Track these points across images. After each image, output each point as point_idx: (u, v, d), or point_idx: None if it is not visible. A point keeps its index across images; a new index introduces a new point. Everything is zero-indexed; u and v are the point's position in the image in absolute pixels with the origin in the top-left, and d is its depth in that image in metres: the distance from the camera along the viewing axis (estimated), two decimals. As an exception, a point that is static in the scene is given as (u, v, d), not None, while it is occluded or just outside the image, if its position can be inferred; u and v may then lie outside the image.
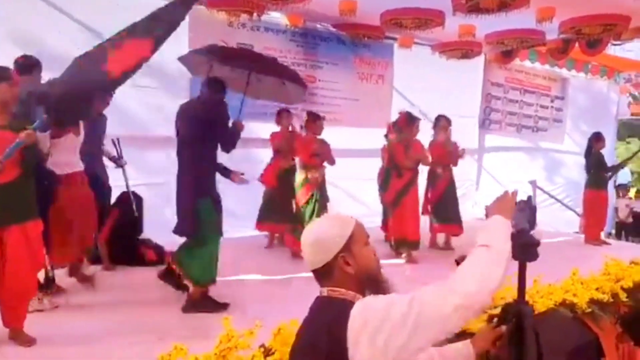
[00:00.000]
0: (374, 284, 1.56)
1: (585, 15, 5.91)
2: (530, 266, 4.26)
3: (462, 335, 2.61)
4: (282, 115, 5.94)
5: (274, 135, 5.95)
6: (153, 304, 3.91)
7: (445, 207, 6.18)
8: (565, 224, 8.66)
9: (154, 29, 3.21)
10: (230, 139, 3.91)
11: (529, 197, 1.63)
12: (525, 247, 1.51)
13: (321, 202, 5.52)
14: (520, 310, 1.66)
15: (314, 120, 5.63)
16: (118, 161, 5.05)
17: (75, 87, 3.25)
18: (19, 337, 3.05)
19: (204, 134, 3.68)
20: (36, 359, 2.91)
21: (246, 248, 5.83)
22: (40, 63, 3.83)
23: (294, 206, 5.64)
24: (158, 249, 5.16)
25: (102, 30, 5.27)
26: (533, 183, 8.11)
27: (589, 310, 3.33)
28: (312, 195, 5.48)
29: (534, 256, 1.60)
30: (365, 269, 1.56)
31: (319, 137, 5.65)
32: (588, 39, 6.62)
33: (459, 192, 6.59)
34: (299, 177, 5.57)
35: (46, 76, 3.85)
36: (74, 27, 5.46)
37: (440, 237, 6.31)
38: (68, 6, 5.41)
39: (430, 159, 5.99)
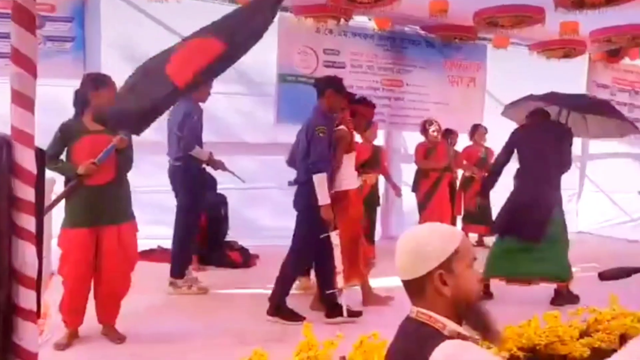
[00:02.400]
0: (471, 313, 1.36)
1: None
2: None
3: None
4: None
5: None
6: (237, 306, 3.97)
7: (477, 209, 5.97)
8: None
9: (233, 33, 2.95)
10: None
11: None
12: None
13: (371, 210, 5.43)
14: None
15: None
16: None
17: (139, 98, 3.06)
18: (111, 334, 3.20)
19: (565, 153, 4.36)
20: (124, 355, 3.04)
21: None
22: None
23: None
24: (243, 252, 5.26)
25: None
26: (644, 194, 7.34)
27: None
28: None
29: None
30: (464, 294, 1.36)
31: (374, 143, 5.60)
32: None
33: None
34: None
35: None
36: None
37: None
38: (173, 23, 5.63)
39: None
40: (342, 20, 5.96)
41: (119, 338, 3.16)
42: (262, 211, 6.16)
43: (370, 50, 6.65)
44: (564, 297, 4.11)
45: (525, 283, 4.22)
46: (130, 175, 3.29)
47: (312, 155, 3.58)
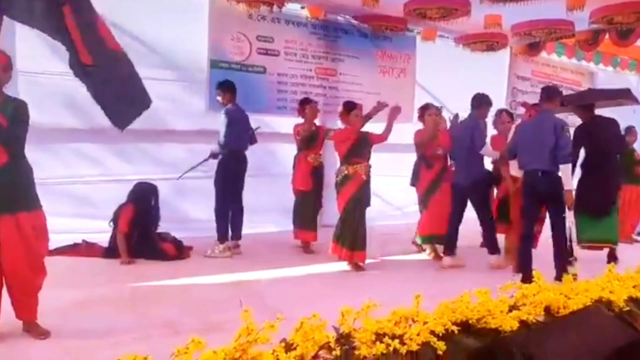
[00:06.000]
0: None
1: (618, 3, 5.68)
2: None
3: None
4: (306, 106, 5.69)
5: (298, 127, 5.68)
6: (169, 297, 3.84)
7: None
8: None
9: None
10: None
11: None
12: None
13: (363, 202, 4.93)
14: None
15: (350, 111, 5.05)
16: None
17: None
18: (33, 330, 2.98)
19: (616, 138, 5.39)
20: (50, 351, 2.84)
21: (263, 243, 5.78)
22: None
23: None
24: (177, 243, 5.09)
25: (121, 23, 5.19)
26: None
27: (627, 308, 3.13)
28: (354, 193, 4.87)
29: None
30: None
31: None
32: (620, 28, 6.38)
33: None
34: (342, 173, 4.98)
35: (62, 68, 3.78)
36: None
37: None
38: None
39: None
40: (275, 6, 5.89)
41: (42, 334, 2.94)
42: (193, 202, 5.97)
43: (304, 38, 6.62)
44: (615, 257, 5.04)
45: (597, 248, 5.14)
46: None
47: (564, 149, 4.34)
